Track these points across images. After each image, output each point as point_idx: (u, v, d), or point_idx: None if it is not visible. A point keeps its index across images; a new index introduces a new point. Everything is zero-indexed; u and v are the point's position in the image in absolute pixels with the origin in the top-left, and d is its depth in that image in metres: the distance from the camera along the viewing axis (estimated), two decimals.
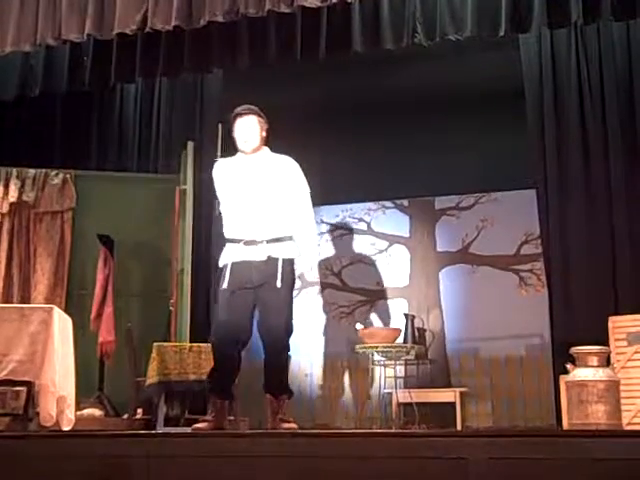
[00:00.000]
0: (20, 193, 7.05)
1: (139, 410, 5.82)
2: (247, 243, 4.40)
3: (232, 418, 5.68)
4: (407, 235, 7.46)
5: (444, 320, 7.10)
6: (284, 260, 4.38)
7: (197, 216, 7.08)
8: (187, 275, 6.55)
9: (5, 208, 7.01)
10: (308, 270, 4.53)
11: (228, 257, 4.48)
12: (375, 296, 7.29)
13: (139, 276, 7.17)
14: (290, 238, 4.45)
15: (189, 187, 6.80)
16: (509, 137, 7.01)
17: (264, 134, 4.62)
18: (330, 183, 6.66)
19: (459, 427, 6.24)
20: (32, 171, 7.13)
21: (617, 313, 5.63)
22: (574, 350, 4.15)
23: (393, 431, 4.72)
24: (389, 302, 7.29)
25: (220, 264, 4.54)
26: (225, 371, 4.50)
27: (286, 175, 4.56)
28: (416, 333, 6.78)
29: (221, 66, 6.44)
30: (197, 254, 7.08)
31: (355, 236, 7.51)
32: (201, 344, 5.71)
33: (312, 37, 5.92)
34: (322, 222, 7.46)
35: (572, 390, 3.99)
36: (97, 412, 6.10)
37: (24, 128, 7.54)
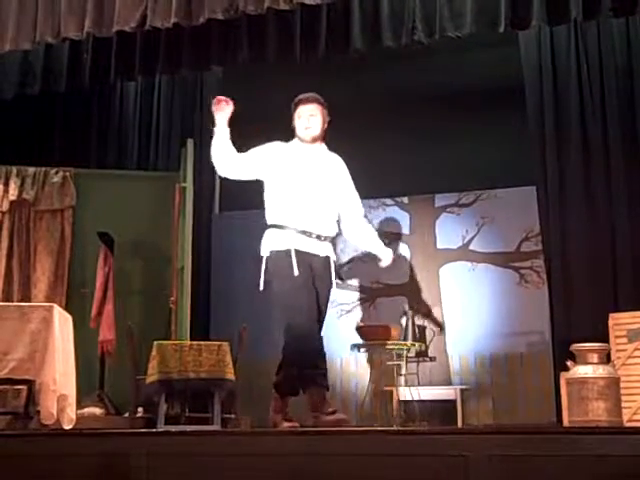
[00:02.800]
0: (20, 191, 7.04)
1: (140, 408, 5.83)
2: (313, 236, 4.34)
3: (233, 416, 5.68)
4: (407, 232, 7.45)
5: (444, 317, 7.10)
6: (332, 260, 4.41)
7: (197, 214, 7.08)
8: (187, 273, 6.55)
9: (5, 206, 7.01)
10: (382, 255, 4.51)
11: (289, 243, 4.34)
12: (375, 294, 7.29)
13: (139, 274, 7.17)
14: (334, 238, 4.48)
15: (189, 185, 6.80)
16: (509, 134, 7.00)
17: (325, 126, 4.52)
18: None
19: (460, 425, 6.24)
20: (32, 169, 7.13)
21: (617, 310, 5.63)
22: (574, 347, 4.15)
23: (393, 429, 4.72)
24: (389, 300, 7.28)
25: (277, 248, 4.40)
26: (307, 364, 4.36)
27: (339, 174, 4.52)
28: (416, 331, 6.78)
29: (220, 64, 6.44)
30: (197, 252, 7.09)
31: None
32: (201, 342, 5.71)
33: (311, 35, 5.91)
34: None
35: (572, 387, 3.99)
36: (98, 410, 6.10)
37: (24, 126, 7.54)
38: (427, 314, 7.13)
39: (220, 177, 7.85)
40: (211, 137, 7.66)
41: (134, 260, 7.16)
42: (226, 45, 6.08)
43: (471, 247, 7.18)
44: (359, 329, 6.63)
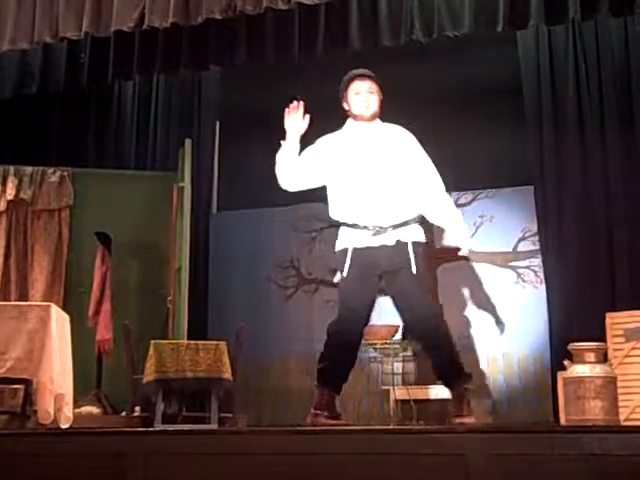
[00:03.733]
0: (17, 191, 7.03)
1: (137, 408, 5.82)
2: (373, 232, 4.08)
3: (229, 415, 5.69)
4: None
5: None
6: (414, 243, 4.09)
7: (195, 213, 7.08)
8: (185, 273, 6.55)
9: (2, 206, 7.00)
10: (461, 243, 4.20)
11: (347, 242, 4.15)
12: None
13: (137, 274, 7.17)
14: (417, 220, 4.15)
15: (187, 184, 6.80)
16: (507, 133, 7.01)
17: (380, 103, 4.31)
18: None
19: (450, 422, 6.24)
20: (29, 169, 7.12)
21: (614, 309, 5.63)
22: (571, 346, 4.15)
23: (391, 427, 4.72)
24: (386, 298, 7.27)
25: (337, 248, 4.22)
26: (343, 362, 4.21)
27: (404, 147, 4.22)
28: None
29: (219, 64, 6.44)
30: (195, 252, 7.09)
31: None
32: (198, 341, 5.71)
33: (310, 34, 5.92)
34: (319, 219, 7.46)
35: (569, 386, 3.99)
36: (95, 410, 6.10)
37: (22, 126, 7.53)
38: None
39: (218, 176, 7.93)
40: (209, 137, 7.75)
41: (132, 260, 7.16)
42: (224, 45, 6.09)
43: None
44: None
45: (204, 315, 7.41)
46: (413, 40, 5.77)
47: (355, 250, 4.12)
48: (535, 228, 6.78)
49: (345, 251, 4.15)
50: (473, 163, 7.19)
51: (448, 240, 4.29)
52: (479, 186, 7.20)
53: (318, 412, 4.13)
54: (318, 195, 7.27)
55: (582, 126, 6.60)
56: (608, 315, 5.43)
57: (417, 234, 4.17)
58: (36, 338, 4.56)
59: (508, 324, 6.82)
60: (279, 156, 4.34)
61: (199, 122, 7.73)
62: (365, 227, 4.12)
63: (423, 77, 7.30)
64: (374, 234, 4.10)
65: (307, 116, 4.29)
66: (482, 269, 7.08)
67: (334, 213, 4.26)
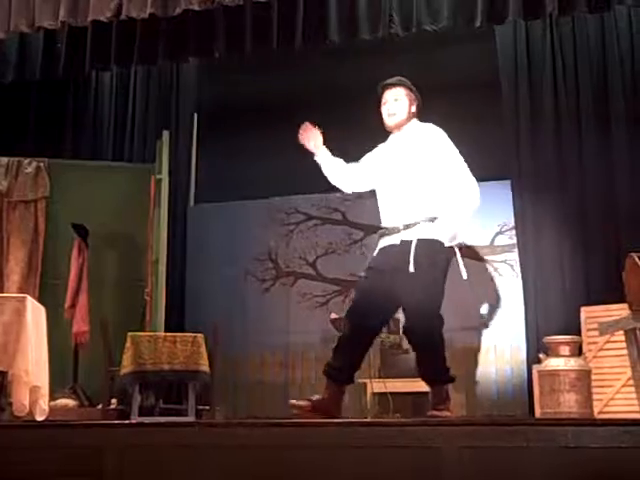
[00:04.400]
0: None
1: (113, 400, 5.81)
2: (383, 233, 4.22)
3: (207, 407, 5.68)
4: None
5: None
6: (419, 241, 4.05)
7: (172, 205, 7.06)
8: (162, 265, 6.53)
9: None
10: (447, 236, 4.14)
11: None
12: (350, 286, 7.29)
13: (114, 265, 7.14)
14: (430, 219, 4.12)
15: (164, 176, 6.78)
16: (484, 128, 7.02)
17: (413, 109, 4.36)
18: (305, 172, 6.66)
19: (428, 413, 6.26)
20: (5, 159, 7.06)
21: (589, 303, 5.69)
22: (546, 340, 4.19)
23: (367, 420, 4.74)
24: None
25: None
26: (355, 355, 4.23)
27: (426, 149, 4.22)
28: (390, 323, 6.79)
29: (197, 55, 6.41)
30: (172, 244, 7.07)
31: (330, 226, 7.50)
32: (176, 334, 5.70)
33: (288, 26, 5.91)
34: (297, 212, 7.46)
35: (544, 379, 4.03)
36: (71, 402, 6.07)
37: None
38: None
39: (196, 169, 7.90)
40: (186, 129, 7.72)
41: (109, 252, 7.12)
42: (202, 36, 6.06)
43: None
44: (333, 321, 6.64)
45: (181, 307, 7.39)
46: (391, 34, 5.78)
47: (377, 251, 4.24)
48: (512, 222, 6.82)
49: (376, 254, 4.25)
50: None
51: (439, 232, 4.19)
52: None
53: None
54: (295, 188, 7.31)
55: (559, 121, 6.65)
56: (583, 309, 5.49)
57: (426, 232, 4.11)
58: (11, 330, 4.53)
59: (484, 317, 6.85)
60: (325, 171, 4.51)
61: (177, 114, 7.70)
62: (379, 230, 4.26)
63: (398, 72, 7.30)
64: (384, 235, 4.21)
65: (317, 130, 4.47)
66: (458, 263, 7.10)
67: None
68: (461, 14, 5.57)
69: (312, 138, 4.46)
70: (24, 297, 4.76)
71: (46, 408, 4.76)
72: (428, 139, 4.27)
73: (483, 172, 7.05)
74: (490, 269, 6.99)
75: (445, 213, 4.16)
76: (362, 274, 4.31)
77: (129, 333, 5.55)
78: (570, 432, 2.84)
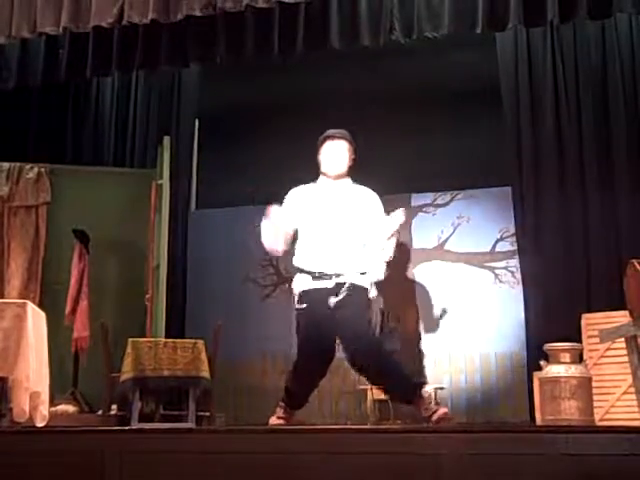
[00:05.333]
0: None
1: (113, 406, 5.80)
2: (317, 277, 4.39)
3: (207, 414, 5.67)
4: None
5: (419, 317, 7.12)
6: (352, 285, 4.36)
7: (173, 211, 7.06)
8: (163, 271, 6.53)
9: None
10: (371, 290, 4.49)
11: (301, 285, 4.47)
12: None
13: (114, 271, 7.13)
14: (362, 272, 4.45)
15: (165, 182, 6.78)
16: (485, 134, 7.04)
17: (350, 163, 4.57)
18: (306, 178, 6.67)
19: (429, 424, 6.26)
20: (6, 165, 7.07)
21: (590, 310, 5.68)
22: (547, 347, 4.18)
23: (367, 427, 4.73)
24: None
25: (296, 291, 4.54)
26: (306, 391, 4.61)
27: (367, 209, 4.52)
28: (391, 330, 6.79)
29: (198, 60, 6.41)
30: (173, 250, 7.07)
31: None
32: (176, 340, 5.70)
33: (290, 32, 5.91)
34: None
35: (545, 386, 4.02)
36: (71, 408, 6.06)
37: None
38: (402, 313, 7.14)
39: (197, 174, 7.92)
40: (187, 135, 7.73)
41: (109, 257, 7.12)
42: (204, 42, 6.06)
43: (447, 247, 7.20)
44: None
45: (182, 313, 7.38)
46: (393, 40, 5.78)
47: (306, 292, 4.42)
48: (513, 229, 6.82)
49: (301, 293, 4.45)
50: (451, 163, 7.22)
51: None
52: (457, 187, 7.23)
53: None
54: None
55: (559, 127, 6.65)
56: (584, 316, 5.48)
57: (359, 280, 4.42)
58: (12, 336, 4.52)
59: (485, 324, 6.85)
60: (263, 233, 4.65)
61: (178, 119, 7.71)
62: (314, 273, 4.40)
63: (399, 77, 7.33)
64: (316, 279, 4.39)
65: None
66: (459, 269, 7.11)
67: (296, 259, 4.56)
68: (462, 21, 5.57)
69: (276, 220, 4.58)
70: (25, 303, 4.75)
71: (46, 414, 4.75)
72: (366, 200, 4.55)
73: (484, 178, 7.11)
74: (491, 276, 6.99)
75: (371, 273, 4.51)
76: (300, 307, 4.46)
77: (129, 339, 5.54)
78: (571, 439, 2.84)
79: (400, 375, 4.37)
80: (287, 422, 4.45)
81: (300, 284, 4.48)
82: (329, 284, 4.36)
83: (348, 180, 4.61)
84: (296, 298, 4.48)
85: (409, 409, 6.11)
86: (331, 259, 4.39)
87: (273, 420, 4.46)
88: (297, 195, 4.65)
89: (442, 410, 4.22)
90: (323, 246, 4.43)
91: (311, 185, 4.67)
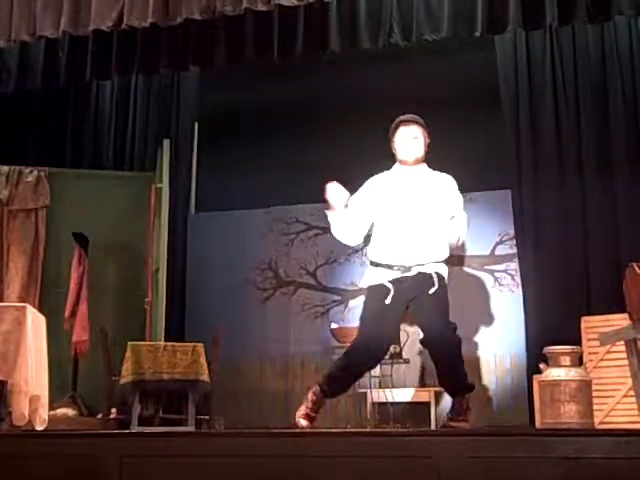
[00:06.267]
0: None
1: (113, 409, 5.79)
2: (400, 270, 4.34)
3: (206, 417, 5.67)
4: None
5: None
6: (437, 274, 4.34)
7: (173, 214, 7.06)
8: (162, 274, 6.53)
9: None
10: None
11: (377, 278, 4.41)
12: (350, 295, 7.30)
13: (114, 275, 7.13)
14: (443, 260, 4.41)
15: (165, 185, 6.78)
16: (484, 137, 7.04)
17: (426, 148, 4.52)
18: (305, 182, 6.66)
19: (433, 427, 6.26)
20: (5, 168, 7.06)
21: (590, 313, 5.68)
22: (547, 350, 4.18)
23: (367, 430, 4.74)
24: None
25: (366, 284, 4.52)
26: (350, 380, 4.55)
27: (443, 196, 4.45)
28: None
29: (198, 64, 6.41)
30: (173, 253, 7.07)
31: (330, 235, 7.51)
32: (176, 343, 5.69)
33: (289, 36, 5.92)
34: (297, 221, 7.46)
35: (545, 389, 4.01)
36: (70, 412, 6.06)
37: None
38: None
39: (196, 177, 7.92)
40: (187, 138, 7.73)
41: (109, 261, 7.11)
42: (203, 45, 6.07)
43: None
44: (333, 331, 6.63)
45: (181, 316, 7.38)
46: (392, 43, 5.79)
47: (381, 285, 4.34)
48: (512, 232, 6.82)
49: (372, 287, 4.39)
50: (450, 167, 7.18)
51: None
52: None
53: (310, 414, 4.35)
54: (295, 197, 7.31)
55: (559, 130, 6.66)
56: (583, 319, 5.48)
57: (440, 269, 4.40)
58: (11, 339, 4.52)
59: (485, 327, 6.85)
60: (333, 224, 4.58)
61: (177, 122, 7.71)
62: (394, 266, 4.34)
63: (399, 80, 7.33)
64: (401, 271, 4.34)
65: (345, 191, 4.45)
66: (459, 272, 7.10)
67: (372, 252, 4.48)
68: (461, 24, 5.58)
69: (338, 197, 4.46)
70: (24, 306, 4.75)
71: (46, 417, 4.75)
72: (445, 187, 4.48)
73: (483, 181, 7.11)
74: (491, 279, 6.99)
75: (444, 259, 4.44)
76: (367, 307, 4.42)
77: (129, 342, 5.54)
78: (570, 442, 2.84)
79: (459, 375, 4.38)
80: (311, 422, 4.34)
81: (373, 278, 4.40)
82: (410, 272, 4.31)
83: (425, 166, 4.52)
84: (366, 292, 4.42)
85: (411, 410, 6.13)
86: (411, 251, 4.32)
87: (299, 415, 4.34)
88: (374, 184, 4.54)
89: (465, 425, 4.20)
90: (403, 238, 4.34)
91: (387, 173, 4.56)
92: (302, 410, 4.34)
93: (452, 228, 4.45)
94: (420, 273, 4.32)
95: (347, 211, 4.47)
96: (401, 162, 4.51)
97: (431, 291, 4.27)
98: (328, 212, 4.52)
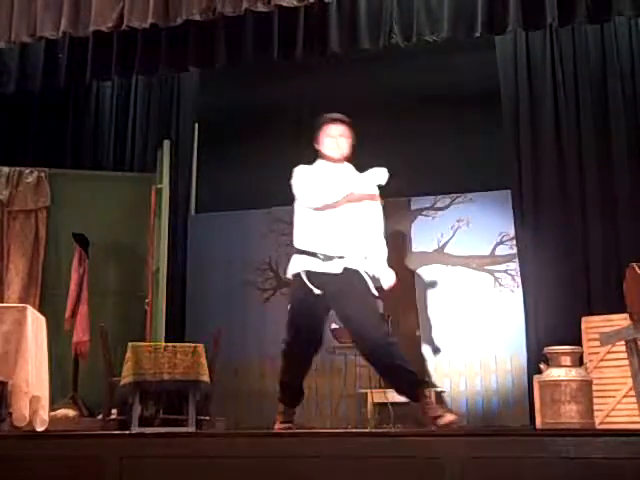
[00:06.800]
0: None
1: (113, 410, 5.79)
2: (322, 257, 4.30)
3: (207, 418, 5.67)
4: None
5: (419, 320, 7.12)
6: (362, 272, 4.32)
7: (173, 215, 7.06)
8: (163, 275, 6.53)
9: None
10: (389, 284, 4.45)
11: (299, 266, 4.36)
12: None
13: (114, 275, 7.13)
14: (367, 255, 4.40)
15: (165, 186, 6.78)
16: (484, 137, 7.04)
17: (351, 149, 4.53)
18: None
19: (434, 427, 6.26)
20: (6, 169, 7.07)
21: (590, 313, 5.68)
22: (547, 350, 4.18)
23: (368, 431, 4.73)
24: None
25: (290, 273, 4.45)
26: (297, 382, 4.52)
27: (367, 191, 4.46)
28: (391, 332, 6.78)
29: (198, 65, 6.41)
30: (173, 253, 7.07)
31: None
32: (176, 344, 5.69)
33: (289, 36, 5.92)
34: None
35: (545, 390, 4.02)
36: (71, 412, 6.06)
37: None
38: (402, 316, 7.15)
39: (197, 178, 7.92)
40: (187, 138, 7.73)
41: (109, 261, 7.12)
42: (203, 46, 6.07)
43: (446, 250, 7.20)
44: (334, 331, 6.63)
45: (182, 317, 7.38)
46: (392, 44, 5.79)
47: (306, 273, 4.31)
48: (512, 232, 6.82)
49: (297, 275, 4.34)
50: (450, 167, 7.22)
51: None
52: (456, 190, 7.23)
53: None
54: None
55: (559, 130, 6.66)
56: (584, 319, 5.48)
57: (366, 266, 4.37)
58: (12, 340, 4.52)
59: (485, 328, 6.85)
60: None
61: (177, 123, 7.72)
62: (317, 254, 4.32)
63: (398, 81, 7.33)
64: (324, 260, 4.30)
65: None
66: (459, 273, 7.11)
67: (296, 240, 4.46)
68: (461, 24, 5.58)
69: None
70: (24, 307, 4.75)
71: (46, 418, 4.74)
72: (369, 185, 4.47)
73: (483, 181, 7.12)
74: (491, 279, 6.99)
75: (374, 256, 4.44)
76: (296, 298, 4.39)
77: (129, 343, 5.53)
78: (571, 443, 2.84)
79: (406, 368, 4.26)
80: (289, 426, 4.41)
81: (298, 265, 4.37)
82: (336, 268, 4.28)
83: (350, 165, 4.56)
84: (291, 279, 4.39)
85: (412, 410, 6.12)
86: (336, 241, 4.32)
87: (277, 428, 4.41)
88: (305, 173, 4.53)
89: (451, 417, 4.08)
90: (329, 228, 4.34)
91: (313, 167, 4.56)
92: (277, 424, 4.36)
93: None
94: (345, 269, 4.28)
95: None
96: (327, 158, 4.51)
97: (358, 290, 4.26)
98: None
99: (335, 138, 4.48)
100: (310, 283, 4.27)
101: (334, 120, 4.51)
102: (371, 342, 4.22)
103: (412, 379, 4.24)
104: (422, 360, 7.03)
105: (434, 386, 4.31)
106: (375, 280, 4.39)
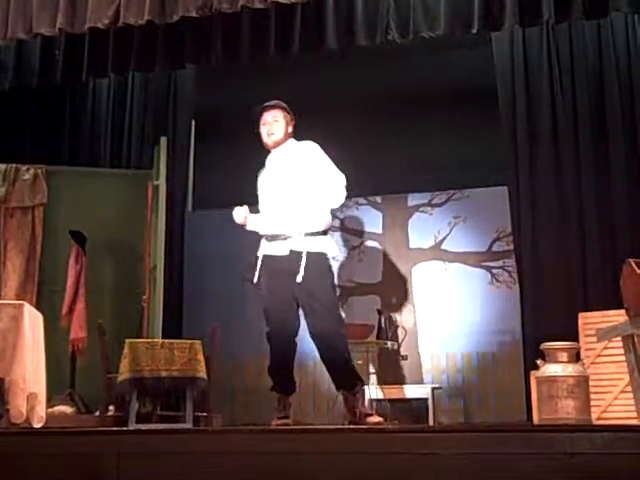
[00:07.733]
0: None
1: (111, 407, 5.79)
2: (278, 239, 4.49)
3: (205, 415, 5.67)
4: (380, 231, 7.47)
5: (416, 316, 7.13)
6: (309, 254, 4.39)
7: (170, 212, 7.06)
8: (160, 271, 6.53)
9: None
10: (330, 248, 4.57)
11: (260, 251, 4.59)
12: (348, 292, 7.30)
13: (111, 272, 7.12)
14: (320, 232, 4.50)
15: (162, 183, 6.77)
16: (481, 134, 7.05)
17: (290, 129, 4.68)
18: None
19: (431, 423, 6.27)
20: (2, 166, 7.05)
21: (587, 309, 5.69)
22: (544, 346, 4.19)
23: (365, 427, 4.73)
24: (361, 298, 7.30)
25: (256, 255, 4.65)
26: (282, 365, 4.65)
27: (307, 164, 4.57)
28: (388, 329, 6.80)
29: (194, 62, 6.41)
30: (170, 250, 7.06)
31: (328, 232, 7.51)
32: (173, 340, 5.69)
33: (286, 33, 5.92)
34: None
35: (542, 385, 4.02)
36: (68, 409, 6.05)
37: None
38: (399, 313, 7.16)
39: (194, 175, 7.91)
40: (184, 135, 7.74)
41: (106, 258, 7.11)
42: (200, 43, 6.07)
43: (443, 246, 7.21)
44: None
45: (179, 314, 7.38)
46: (389, 40, 5.79)
47: (263, 258, 4.56)
48: (509, 229, 6.83)
49: (256, 259, 4.58)
50: (447, 163, 7.23)
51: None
52: (453, 187, 7.24)
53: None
54: None
55: (555, 127, 6.66)
56: (581, 315, 5.49)
57: (316, 245, 4.46)
58: (9, 337, 4.52)
59: (482, 324, 6.86)
60: (257, 230, 4.78)
61: (174, 120, 7.70)
62: (266, 236, 4.56)
63: (395, 77, 7.33)
64: (270, 241, 4.53)
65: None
66: (456, 269, 7.12)
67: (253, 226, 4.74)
68: (458, 21, 5.58)
69: (238, 216, 4.79)
70: (21, 304, 4.75)
71: (43, 415, 4.75)
72: (303, 154, 4.61)
73: (480, 178, 7.12)
74: (488, 275, 7.00)
75: (317, 209, 4.52)
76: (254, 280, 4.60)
77: (127, 339, 5.54)
78: (568, 438, 2.85)
79: (348, 361, 4.47)
80: (287, 422, 4.43)
81: (261, 249, 4.61)
82: (284, 250, 4.44)
83: (290, 142, 4.70)
84: (259, 263, 4.57)
85: (409, 407, 6.13)
86: (281, 221, 4.51)
87: (274, 424, 4.44)
88: (260, 178, 4.82)
89: (379, 418, 4.35)
90: (272, 210, 4.57)
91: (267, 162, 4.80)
92: (273, 421, 4.48)
93: (325, 192, 4.54)
94: (292, 252, 4.43)
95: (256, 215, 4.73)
96: (266, 147, 4.74)
97: (298, 279, 4.35)
98: (247, 228, 4.77)
99: (270, 125, 4.65)
100: (265, 266, 4.49)
101: (266, 108, 4.70)
102: (321, 329, 4.40)
103: (351, 374, 4.47)
104: (418, 356, 7.05)
105: (367, 385, 4.52)
106: (321, 256, 4.47)
